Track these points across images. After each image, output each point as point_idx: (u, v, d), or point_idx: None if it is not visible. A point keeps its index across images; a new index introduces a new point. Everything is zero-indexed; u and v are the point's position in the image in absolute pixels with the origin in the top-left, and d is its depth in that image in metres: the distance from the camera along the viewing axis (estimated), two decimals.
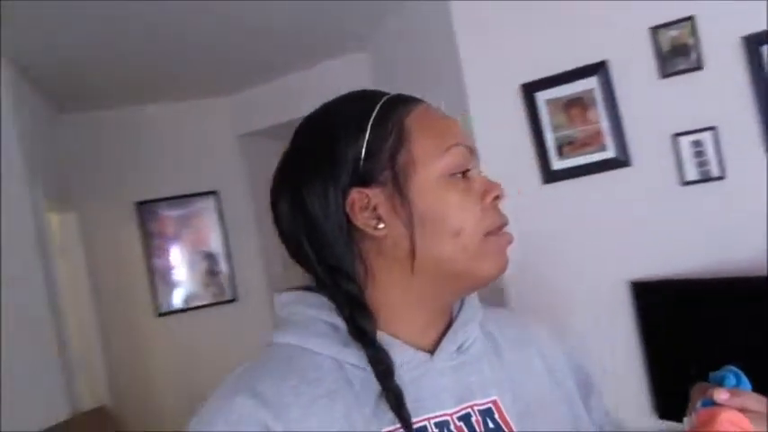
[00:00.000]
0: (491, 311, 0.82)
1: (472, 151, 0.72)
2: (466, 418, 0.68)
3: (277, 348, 0.71)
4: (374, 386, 0.66)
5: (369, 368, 0.66)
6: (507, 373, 0.75)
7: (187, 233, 4.23)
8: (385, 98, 0.72)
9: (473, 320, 0.76)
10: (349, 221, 0.69)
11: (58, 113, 3.93)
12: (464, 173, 0.70)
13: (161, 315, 4.17)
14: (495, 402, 0.71)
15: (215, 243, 4.26)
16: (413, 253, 0.68)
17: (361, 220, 0.68)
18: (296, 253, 0.73)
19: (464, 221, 0.68)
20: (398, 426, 0.64)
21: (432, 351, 0.71)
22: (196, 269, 4.23)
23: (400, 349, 0.69)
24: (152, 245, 4.17)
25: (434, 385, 0.69)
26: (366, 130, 0.69)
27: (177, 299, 4.20)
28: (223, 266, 4.26)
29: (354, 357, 0.67)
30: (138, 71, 3.61)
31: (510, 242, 0.72)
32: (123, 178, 4.15)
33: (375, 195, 0.68)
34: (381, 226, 0.68)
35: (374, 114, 0.69)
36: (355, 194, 0.68)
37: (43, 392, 2.92)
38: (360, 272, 0.71)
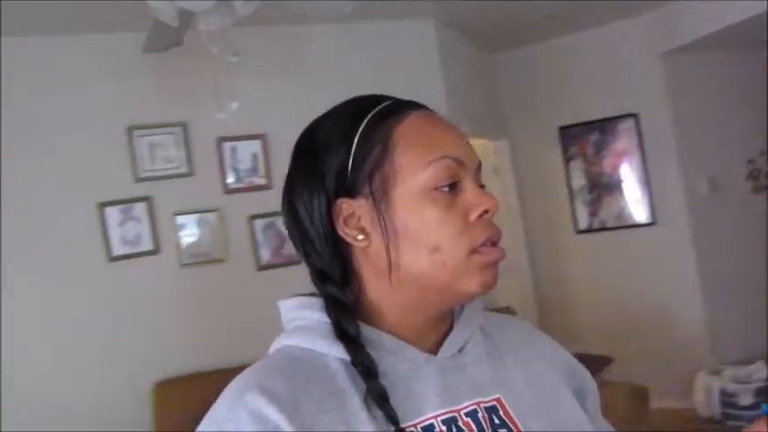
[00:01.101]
0: (492, 316, 0.83)
1: (464, 164, 0.70)
2: (473, 414, 0.69)
3: (283, 351, 0.72)
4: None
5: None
6: (509, 374, 0.75)
7: (606, 156, 4.36)
8: (377, 108, 0.72)
9: (473, 324, 0.76)
10: (335, 230, 0.71)
11: (490, 54, 4.50)
12: (452, 185, 0.69)
13: (579, 233, 4.49)
14: (498, 400, 0.71)
15: (634, 166, 4.28)
16: (390, 266, 0.69)
17: (345, 230, 0.70)
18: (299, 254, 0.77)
19: (442, 238, 0.68)
20: (408, 424, 0.66)
21: (434, 352, 0.72)
22: (611, 191, 4.36)
23: (404, 349, 0.70)
24: (572, 167, 4.46)
25: (439, 384, 0.70)
26: (353, 142, 0.70)
27: (593, 218, 4.43)
28: (640, 189, 4.27)
29: None
30: (553, 5, 3.82)
31: (498, 258, 0.70)
32: (549, 105, 4.50)
33: (359, 207, 0.69)
34: (361, 237, 0.70)
35: (362, 126, 0.70)
36: (341, 205, 0.70)
37: None
38: (353, 276, 0.72)
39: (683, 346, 4.13)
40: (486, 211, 0.69)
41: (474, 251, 0.68)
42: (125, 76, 3.18)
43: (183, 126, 3.29)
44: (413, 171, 0.68)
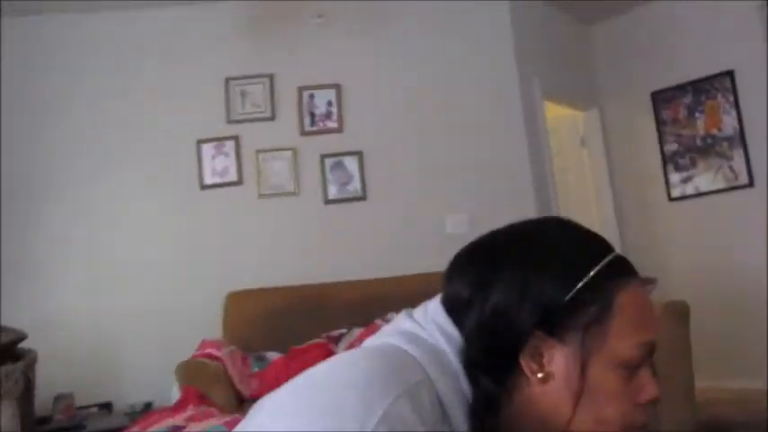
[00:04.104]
0: None
1: (654, 350, 0.72)
2: None
3: (433, 394, 0.68)
4: None
5: None
6: None
7: (699, 117, 4.16)
8: (604, 262, 0.72)
9: None
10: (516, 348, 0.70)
11: (581, 25, 4.54)
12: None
13: (673, 200, 4.27)
14: None
15: (728, 126, 4.03)
16: (568, 422, 0.69)
17: (527, 360, 0.70)
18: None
19: (612, 412, 0.69)
20: None
21: None
22: (705, 154, 4.12)
23: None
24: (665, 132, 4.29)
25: None
26: (575, 287, 0.70)
27: (689, 184, 4.20)
28: (735, 149, 3.99)
29: None
30: None
31: None
32: (641, 71, 4.41)
33: (554, 349, 0.70)
34: (540, 375, 0.70)
35: (589, 276, 0.70)
36: (538, 336, 0.70)
37: None
38: (509, 385, 0.72)
39: None
40: (651, 399, 0.72)
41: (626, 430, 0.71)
42: (227, 37, 3.76)
43: (270, 77, 3.78)
44: (622, 344, 0.70)
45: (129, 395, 3.26)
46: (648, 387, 0.71)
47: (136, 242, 3.61)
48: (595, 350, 0.69)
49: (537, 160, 3.87)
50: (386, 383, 0.63)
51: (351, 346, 2.91)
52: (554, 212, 3.90)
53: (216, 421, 2.26)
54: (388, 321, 3.17)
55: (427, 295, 0.82)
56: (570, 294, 0.69)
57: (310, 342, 2.92)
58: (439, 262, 0.89)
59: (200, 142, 3.73)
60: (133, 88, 3.73)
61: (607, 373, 0.69)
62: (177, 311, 3.49)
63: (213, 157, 3.73)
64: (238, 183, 3.72)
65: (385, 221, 3.69)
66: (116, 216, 3.63)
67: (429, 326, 0.74)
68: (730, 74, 4.02)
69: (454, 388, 0.69)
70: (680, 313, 2.88)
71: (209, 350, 2.74)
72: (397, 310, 0.80)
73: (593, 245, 0.75)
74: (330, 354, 2.91)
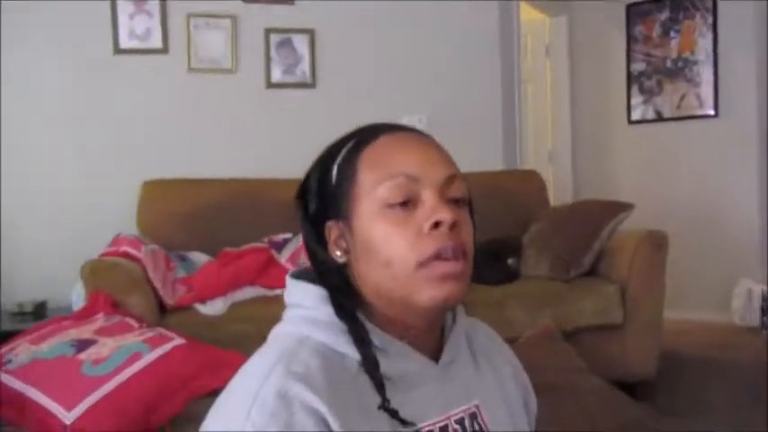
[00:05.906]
0: (470, 323, 0.85)
1: (420, 180, 0.71)
2: (461, 422, 0.76)
3: (312, 343, 0.72)
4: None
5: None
6: (484, 380, 0.81)
7: (674, 38, 3.90)
8: (355, 139, 0.76)
9: (461, 333, 0.81)
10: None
11: None
12: (406, 202, 0.71)
13: (632, 123, 4.07)
14: (477, 407, 0.78)
15: (702, 48, 3.81)
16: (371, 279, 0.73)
17: (333, 249, 0.75)
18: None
19: (392, 252, 0.70)
20: (412, 430, 0.71)
21: (431, 357, 0.76)
22: (673, 77, 3.91)
23: (413, 356, 0.74)
24: (635, 50, 4.03)
25: (439, 391, 0.75)
26: (332, 171, 0.75)
27: (651, 108, 4.00)
28: (705, 75, 3.80)
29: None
30: None
31: (448, 271, 0.70)
32: None
33: (339, 228, 0.75)
34: (338, 253, 0.75)
35: (340, 155, 0.75)
36: (329, 227, 0.75)
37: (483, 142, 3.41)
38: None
39: (731, 254, 3.70)
40: (437, 224, 0.70)
41: (421, 265, 0.70)
42: None
43: None
44: (370, 190, 0.72)
45: (19, 291, 2.74)
46: (431, 213, 0.70)
47: (34, 114, 2.96)
48: (355, 207, 0.72)
49: (507, 65, 3.50)
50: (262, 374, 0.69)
51: (295, 255, 2.51)
52: (516, 121, 3.59)
53: (135, 337, 1.86)
54: None
55: None
56: (333, 179, 0.74)
57: (248, 246, 2.50)
58: None
59: None
60: None
61: (373, 221, 0.71)
62: (82, 199, 2.93)
63: (132, 16, 3.08)
64: (163, 51, 3.10)
65: (334, 114, 3.20)
66: (13, 84, 2.94)
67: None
68: None
69: (334, 336, 0.72)
70: (657, 243, 2.69)
71: (125, 248, 2.27)
72: None
73: (354, 133, 0.77)
74: (270, 260, 2.52)
